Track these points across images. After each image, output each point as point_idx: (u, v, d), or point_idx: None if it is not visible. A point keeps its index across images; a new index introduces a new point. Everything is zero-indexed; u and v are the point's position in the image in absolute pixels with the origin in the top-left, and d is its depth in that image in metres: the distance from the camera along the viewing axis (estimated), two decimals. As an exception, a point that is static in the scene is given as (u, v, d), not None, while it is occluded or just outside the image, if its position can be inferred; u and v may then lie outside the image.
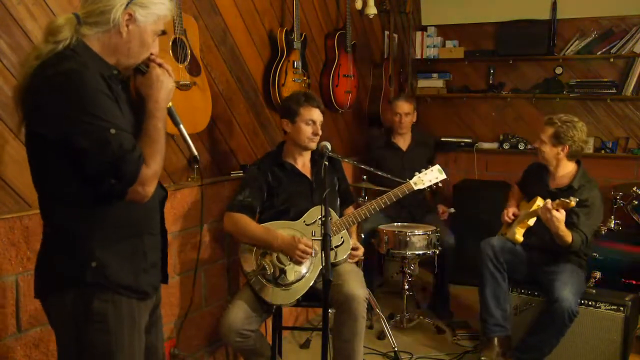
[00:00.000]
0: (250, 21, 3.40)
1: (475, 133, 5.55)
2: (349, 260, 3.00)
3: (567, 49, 5.08)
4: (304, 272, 2.80)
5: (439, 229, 3.73)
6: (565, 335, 3.09)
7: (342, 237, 2.94)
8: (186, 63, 2.74)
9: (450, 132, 5.50)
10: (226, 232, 2.99)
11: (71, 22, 1.56)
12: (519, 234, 3.27)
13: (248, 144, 3.47)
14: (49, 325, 1.69)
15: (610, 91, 4.93)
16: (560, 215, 3.00)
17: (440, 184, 3.16)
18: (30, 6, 2.17)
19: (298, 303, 2.83)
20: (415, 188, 3.08)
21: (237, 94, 3.34)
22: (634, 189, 3.94)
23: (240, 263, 2.86)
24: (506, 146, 5.27)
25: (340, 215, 3.06)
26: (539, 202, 3.16)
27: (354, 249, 3.01)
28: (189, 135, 1.82)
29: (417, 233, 3.62)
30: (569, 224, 3.09)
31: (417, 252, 3.62)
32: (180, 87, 2.69)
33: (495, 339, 3.31)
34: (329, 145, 2.77)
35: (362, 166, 3.47)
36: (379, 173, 3.36)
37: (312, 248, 2.77)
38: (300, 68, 3.60)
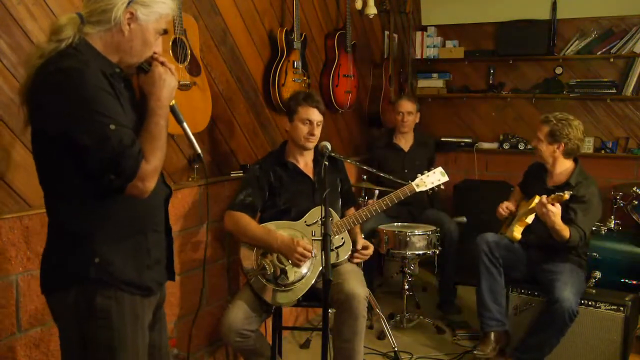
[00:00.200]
0: (250, 21, 3.40)
1: (476, 133, 5.55)
2: (358, 258, 3.01)
3: (567, 49, 5.08)
4: (305, 272, 2.79)
5: (438, 230, 3.74)
6: (565, 335, 3.09)
7: (342, 238, 2.94)
8: (186, 63, 2.74)
9: (450, 132, 5.51)
10: (227, 231, 2.99)
11: (74, 21, 1.57)
12: (517, 232, 3.27)
13: (248, 144, 3.47)
14: (49, 325, 1.70)
15: (610, 91, 4.93)
16: (555, 209, 3.01)
17: (442, 186, 3.14)
18: (30, 6, 2.17)
19: (298, 303, 2.83)
20: (417, 190, 3.06)
21: (237, 94, 3.34)
22: (634, 189, 3.94)
23: (240, 260, 2.86)
24: (506, 146, 5.28)
25: (342, 216, 3.05)
26: (537, 199, 3.17)
27: (364, 247, 3.02)
28: (190, 135, 1.82)
29: (417, 233, 3.62)
30: (567, 220, 3.10)
31: (417, 252, 3.63)
32: (180, 87, 2.69)
33: (492, 334, 3.31)
34: (329, 145, 2.77)
35: (364, 167, 3.46)
36: (381, 174, 3.35)
37: (312, 250, 2.76)
38: (300, 68, 3.60)
